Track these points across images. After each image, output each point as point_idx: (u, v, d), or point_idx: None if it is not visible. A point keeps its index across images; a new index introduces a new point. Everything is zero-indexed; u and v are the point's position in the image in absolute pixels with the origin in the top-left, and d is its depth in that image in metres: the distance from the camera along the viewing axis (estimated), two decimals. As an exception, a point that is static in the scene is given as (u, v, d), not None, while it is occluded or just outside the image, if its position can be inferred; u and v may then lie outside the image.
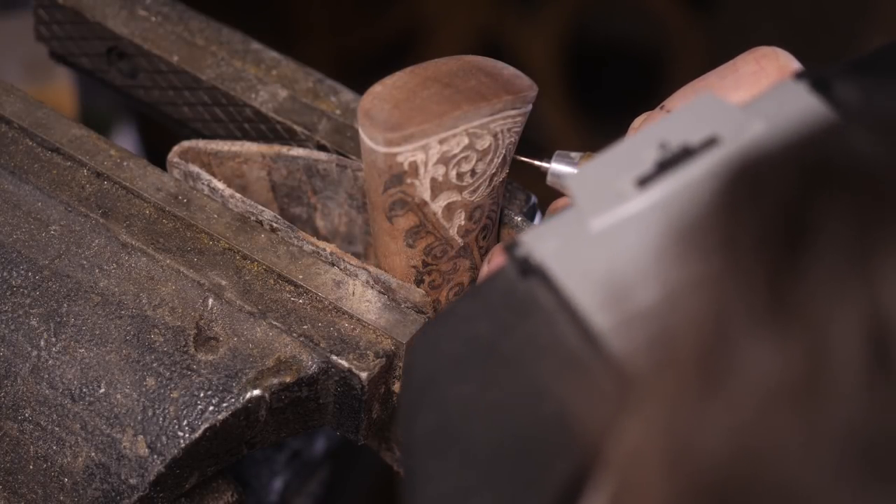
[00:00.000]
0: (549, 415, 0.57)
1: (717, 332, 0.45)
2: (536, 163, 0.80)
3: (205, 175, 0.84)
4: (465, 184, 0.78)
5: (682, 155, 0.59)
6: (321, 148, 0.87)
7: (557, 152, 0.80)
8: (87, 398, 0.78)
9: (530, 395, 0.58)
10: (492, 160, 0.78)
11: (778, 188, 0.47)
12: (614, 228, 0.58)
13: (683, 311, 0.47)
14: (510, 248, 0.60)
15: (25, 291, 0.80)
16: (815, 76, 0.61)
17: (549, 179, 0.80)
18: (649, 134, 0.61)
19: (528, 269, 0.59)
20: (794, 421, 0.44)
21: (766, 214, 0.46)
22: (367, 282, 0.81)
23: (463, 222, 0.80)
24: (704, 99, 0.61)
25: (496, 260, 0.77)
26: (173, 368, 0.77)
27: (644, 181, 0.59)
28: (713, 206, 0.48)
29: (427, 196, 0.77)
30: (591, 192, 0.59)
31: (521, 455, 0.58)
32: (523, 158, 0.80)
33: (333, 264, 0.81)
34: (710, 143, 0.59)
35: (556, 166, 0.80)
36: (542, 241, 0.59)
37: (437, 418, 0.60)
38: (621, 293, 0.53)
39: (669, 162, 0.59)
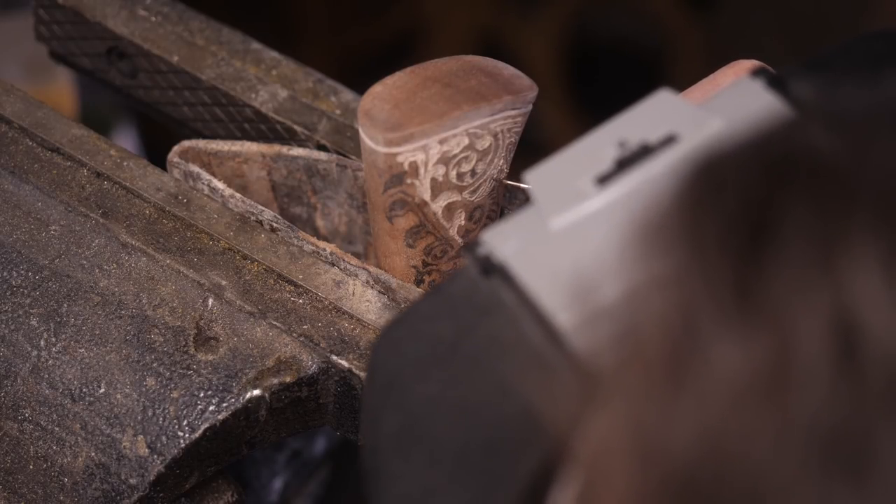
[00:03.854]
0: (513, 412, 0.58)
1: (684, 328, 0.46)
2: (524, 186, 0.80)
3: (205, 175, 0.84)
4: (465, 184, 0.78)
5: (641, 153, 0.59)
6: (321, 148, 0.87)
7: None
8: (87, 398, 0.78)
9: (494, 393, 0.59)
10: (492, 160, 0.78)
11: (741, 184, 0.47)
12: (575, 227, 0.58)
13: (649, 308, 0.47)
14: (471, 248, 0.60)
15: (25, 291, 0.80)
16: (772, 74, 0.61)
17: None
18: (607, 132, 0.61)
19: (490, 268, 0.59)
20: (763, 415, 0.44)
21: (729, 210, 0.47)
22: (367, 282, 0.81)
23: (463, 222, 0.80)
24: (662, 97, 0.62)
25: None
26: (173, 368, 0.77)
27: (604, 179, 0.59)
28: (676, 203, 0.48)
29: (427, 196, 0.77)
30: (550, 190, 0.60)
31: (487, 453, 0.58)
32: (510, 183, 0.80)
33: (333, 264, 0.81)
34: (669, 140, 0.59)
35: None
36: (502, 239, 0.59)
37: (401, 418, 0.60)
38: (584, 291, 0.53)
39: (629, 160, 0.59)
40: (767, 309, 0.45)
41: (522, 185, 0.80)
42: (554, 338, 0.56)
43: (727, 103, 0.61)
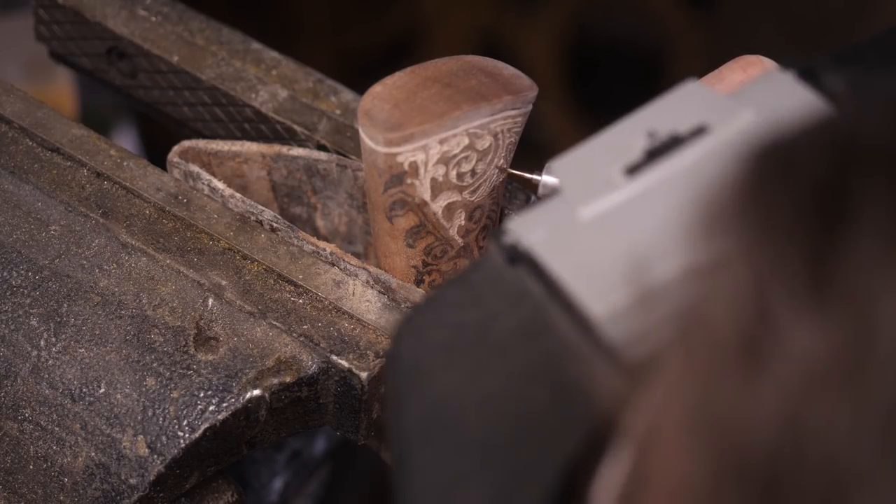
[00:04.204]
0: (542, 399, 0.57)
1: (756, 309, 0.45)
2: (528, 175, 0.80)
3: (205, 175, 0.84)
4: (465, 184, 0.78)
5: (672, 143, 0.59)
6: (321, 148, 0.87)
7: (549, 164, 0.79)
8: (87, 398, 0.78)
9: (522, 380, 0.58)
10: (492, 160, 0.78)
11: (811, 167, 0.46)
12: (605, 216, 0.58)
13: (714, 289, 0.47)
14: (497, 236, 0.60)
15: (25, 291, 0.80)
16: (801, 66, 0.61)
17: (540, 192, 0.79)
18: (636, 122, 0.60)
19: (516, 256, 0.59)
20: (840, 400, 0.44)
21: (800, 193, 0.46)
22: (367, 282, 0.81)
23: (463, 222, 0.80)
24: (690, 87, 0.61)
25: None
26: (173, 368, 0.77)
27: (633, 169, 0.59)
28: (741, 183, 0.47)
29: (427, 196, 0.77)
30: (578, 179, 0.59)
31: (516, 439, 0.58)
32: (514, 172, 0.80)
33: (333, 264, 0.81)
34: (700, 131, 0.59)
35: (548, 179, 0.79)
36: (529, 228, 0.59)
37: (426, 406, 0.60)
38: (633, 274, 0.53)
39: (659, 150, 0.59)
40: (843, 293, 0.44)
41: (527, 175, 0.80)
42: (585, 326, 0.56)
43: (758, 95, 0.60)
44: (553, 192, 0.78)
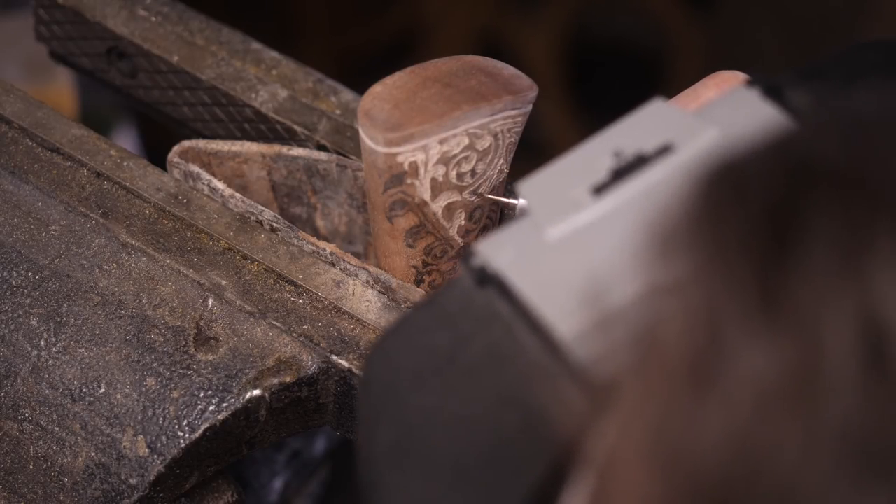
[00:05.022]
0: (513, 422, 0.58)
1: (708, 331, 0.45)
2: (504, 200, 0.80)
3: (205, 175, 0.84)
4: (465, 184, 0.78)
5: (637, 162, 0.59)
6: (321, 148, 0.87)
7: (516, 185, 0.79)
8: (87, 398, 0.78)
9: (493, 403, 0.58)
10: (492, 160, 0.78)
11: (762, 189, 0.47)
12: (572, 236, 0.58)
13: (667, 310, 0.47)
14: (465, 259, 0.60)
15: (25, 291, 0.80)
16: (766, 83, 0.61)
17: (517, 214, 0.80)
18: (603, 141, 0.61)
19: (485, 278, 0.59)
20: (791, 420, 0.44)
21: (751, 214, 0.46)
22: (367, 282, 0.81)
23: (463, 222, 0.80)
24: (655, 106, 0.62)
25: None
26: (173, 368, 0.77)
27: (599, 189, 0.59)
28: (694, 205, 0.48)
29: (427, 196, 0.77)
30: (545, 200, 0.60)
31: (486, 464, 0.58)
32: (492, 197, 0.80)
33: (333, 264, 0.81)
34: (665, 150, 0.59)
35: (524, 202, 0.79)
36: (497, 250, 0.59)
37: (397, 430, 0.60)
38: (591, 297, 0.53)
39: (624, 170, 0.59)
40: (793, 313, 0.44)
41: (503, 200, 0.80)
42: (552, 347, 0.56)
43: (723, 112, 0.61)
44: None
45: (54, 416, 0.78)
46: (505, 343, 0.58)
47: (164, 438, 0.76)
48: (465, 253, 0.61)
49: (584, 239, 0.58)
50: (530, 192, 0.60)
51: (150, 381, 0.77)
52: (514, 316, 0.58)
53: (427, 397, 0.60)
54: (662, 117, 0.61)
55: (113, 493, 0.76)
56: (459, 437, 0.59)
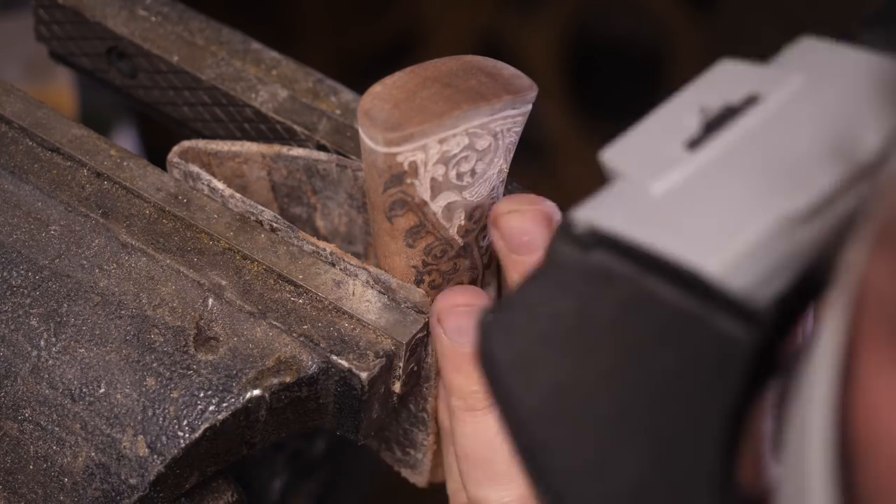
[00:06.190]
0: (672, 362, 0.56)
1: None
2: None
3: (205, 175, 0.84)
4: (464, 184, 0.78)
5: (727, 114, 0.58)
6: (321, 148, 0.87)
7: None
8: (87, 398, 0.78)
9: (641, 350, 0.57)
10: (492, 160, 0.78)
11: None
12: (682, 187, 0.57)
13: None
14: (566, 228, 0.58)
15: (25, 291, 0.80)
16: (836, 34, 0.60)
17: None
18: (679, 104, 0.59)
19: (594, 242, 0.58)
20: None
21: None
22: (367, 282, 0.81)
23: (463, 222, 0.80)
24: (725, 66, 0.60)
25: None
26: (173, 368, 0.77)
27: (694, 143, 0.58)
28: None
29: (427, 196, 0.77)
30: (637, 162, 0.58)
31: (656, 406, 0.56)
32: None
33: (333, 264, 0.81)
34: (752, 100, 0.58)
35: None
36: (602, 214, 0.58)
37: (543, 394, 0.58)
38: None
39: (716, 122, 0.58)
40: None
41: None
42: (702, 287, 0.55)
43: (794, 60, 0.60)
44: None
45: (54, 416, 0.78)
46: (638, 296, 0.57)
47: (164, 438, 0.76)
48: (561, 224, 0.59)
49: (697, 187, 0.57)
50: (617, 158, 0.59)
51: (150, 381, 0.77)
52: (640, 271, 0.57)
53: (566, 359, 0.58)
54: (737, 73, 0.60)
55: (113, 493, 0.76)
56: (615, 388, 0.57)
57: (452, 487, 0.84)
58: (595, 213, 0.58)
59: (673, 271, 0.56)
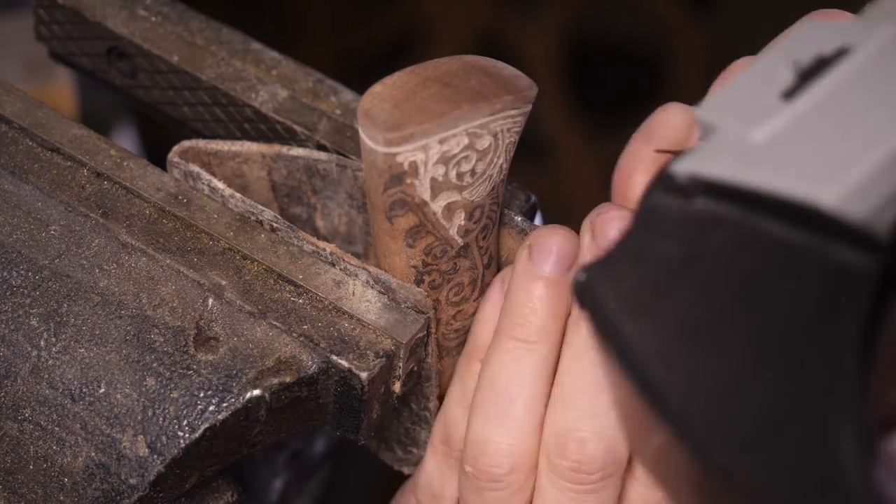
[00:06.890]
0: (795, 290, 0.56)
1: None
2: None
3: (205, 175, 0.84)
4: (464, 184, 0.78)
5: (820, 65, 0.58)
6: (321, 148, 0.87)
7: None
8: (87, 398, 0.78)
9: (759, 280, 0.57)
10: (492, 160, 0.78)
11: None
12: (785, 130, 0.57)
13: None
14: (663, 181, 0.58)
15: (25, 291, 0.80)
16: None
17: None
18: (769, 61, 0.59)
19: (695, 190, 0.58)
20: None
21: None
22: (367, 282, 0.81)
23: (463, 222, 0.80)
24: (808, 25, 0.60)
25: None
26: (173, 368, 0.77)
27: (790, 93, 0.58)
28: None
29: (427, 196, 0.77)
30: (733, 115, 0.58)
31: (785, 329, 0.56)
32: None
33: (333, 264, 0.81)
34: (843, 51, 0.58)
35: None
36: (703, 163, 0.58)
37: (661, 328, 0.58)
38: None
39: (810, 72, 0.58)
40: None
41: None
42: (819, 220, 0.55)
43: (883, 13, 0.59)
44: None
45: (54, 416, 0.78)
46: (749, 235, 0.56)
47: (164, 438, 0.76)
48: (656, 178, 0.58)
49: (800, 131, 0.57)
50: (712, 113, 0.59)
51: (150, 381, 0.77)
52: (749, 211, 0.56)
53: (680, 294, 0.58)
54: (823, 29, 0.60)
55: (113, 493, 0.76)
56: (736, 317, 0.57)
57: (442, 431, 0.83)
58: (696, 164, 0.58)
59: (785, 208, 0.56)
